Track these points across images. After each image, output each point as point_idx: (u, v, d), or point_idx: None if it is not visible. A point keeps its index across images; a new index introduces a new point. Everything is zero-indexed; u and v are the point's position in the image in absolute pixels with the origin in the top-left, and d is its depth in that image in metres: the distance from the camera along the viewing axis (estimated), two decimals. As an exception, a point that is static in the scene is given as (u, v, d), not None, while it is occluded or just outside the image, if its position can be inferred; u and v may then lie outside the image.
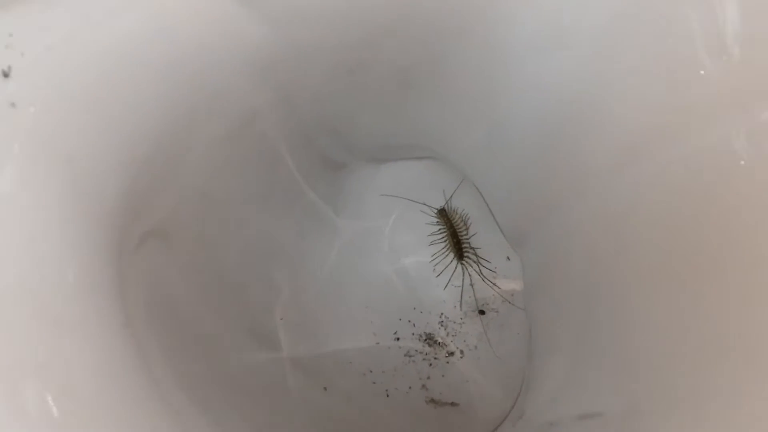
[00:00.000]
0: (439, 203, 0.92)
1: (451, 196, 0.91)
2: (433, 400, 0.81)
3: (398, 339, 0.86)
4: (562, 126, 0.57)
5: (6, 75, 0.39)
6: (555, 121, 0.58)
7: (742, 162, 0.43)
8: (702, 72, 0.44)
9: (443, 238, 0.91)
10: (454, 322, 0.88)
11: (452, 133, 0.72)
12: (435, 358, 0.85)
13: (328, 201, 0.87)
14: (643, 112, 0.49)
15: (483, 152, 0.71)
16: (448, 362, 0.85)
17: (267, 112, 0.64)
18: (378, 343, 0.85)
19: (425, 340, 0.86)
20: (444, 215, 0.90)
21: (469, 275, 0.89)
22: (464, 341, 0.86)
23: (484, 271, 0.89)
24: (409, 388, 0.82)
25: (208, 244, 0.66)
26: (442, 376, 0.84)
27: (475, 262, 0.90)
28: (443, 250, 0.90)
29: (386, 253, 0.92)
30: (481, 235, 0.91)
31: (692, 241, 0.46)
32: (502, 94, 0.61)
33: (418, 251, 0.91)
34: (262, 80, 0.58)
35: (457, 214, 0.91)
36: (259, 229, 0.76)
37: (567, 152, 0.58)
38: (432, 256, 0.90)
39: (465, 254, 0.90)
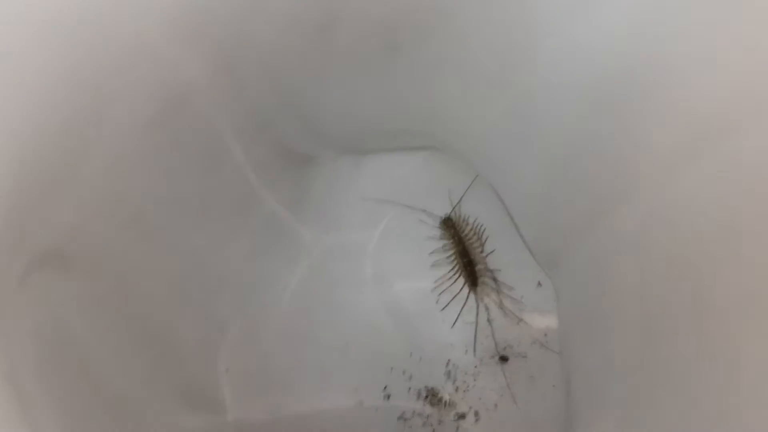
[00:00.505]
0: (444, 210, 0.91)
1: (460, 201, 0.90)
2: (437, 481, 0.82)
3: (389, 397, 0.85)
4: (610, 105, 0.56)
5: None
6: (600, 99, 0.56)
7: None
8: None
9: (450, 257, 0.90)
10: (466, 373, 0.87)
11: (460, 113, 0.71)
12: (440, 423, 0.84)
13: (292, 207, 0.86)
14: (724, 81, 0.47)
15: (502, 140, 0.70)
16: (458, 427, 0.84)
17: (204, 88, 0.62)
18: (361, 403, 0.84)
19: (426, 397, 0.85)
20: (451, 226, 0.89)
21: (486, 308, 0.88)
22: (480, 399, 0.85)
23: (506, 302, 0.88)
24: (405, 463, 0.83)
25: (125, 271, 0.65)
26: (450, 446, 0.84)
27: (493, 289, 0.89)
28: (450, 274, 0.89)
29: (371, 279, 0.91)
30: (501, 253, 0.90)
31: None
32: (526, 61, 0.60)
33: (415, 275, 0.90)
34: (193, 43, 0.56)
35: (468, 224, 0.90)
36: (198, 250, 0.75)
37: (617, 140, 0.57)
38: (435, 282, 0.89)
39: (480, 279, 0.89)
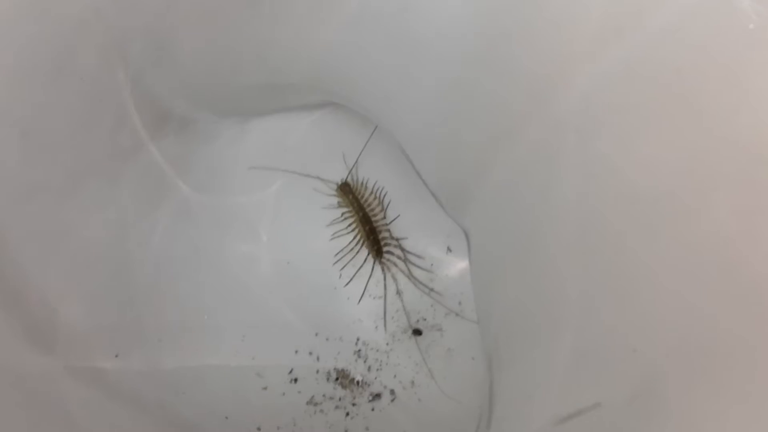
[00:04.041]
0: (341, 175, 0.90)
1: (357, 161, 0.90)
2: (354, 467, 0.78)
3: (296, 380, 0.84)
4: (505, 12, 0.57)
5: None
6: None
7: (751, 26, 0.43)
8: None
9: (351, 226, 0.89)
10: (378, 350, 0.86)
11: (337, 50, 0.71)
12: (353, 405, 0.83)
13: (176, 167, 0.84)
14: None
15: (392, 73, 0.70)
16: (373, 409, 0.83)
17: (105, 17, 0.66)
18: (266, 389, 0.83)
19: (336, 379, 0.85)
20: (348, 192, 0.88)
21: (394, 279, 0.88)
22: (395, 376, 0.85)
23: (415, 271, 0.88)
24: (317, 451, 0.78)
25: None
26: (366, 429, 0.82)
27: (400, 258, 0.88)
28: (352, 245, 0.89)
29: (263, 254, 0.89)
30: (406, 219, 0.90)
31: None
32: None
33: (313, 249, 0.89)
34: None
35: (367, 189, 0.90)
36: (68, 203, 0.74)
37: (517, 48, 0.58)
38: (335, 255, 0.88)
39: (385, 249, 0.88)
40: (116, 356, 0.75)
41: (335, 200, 0.90)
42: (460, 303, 0.87)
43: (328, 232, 0.90)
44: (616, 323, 0.54)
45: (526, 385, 0.64)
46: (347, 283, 0.89)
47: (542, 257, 0.63)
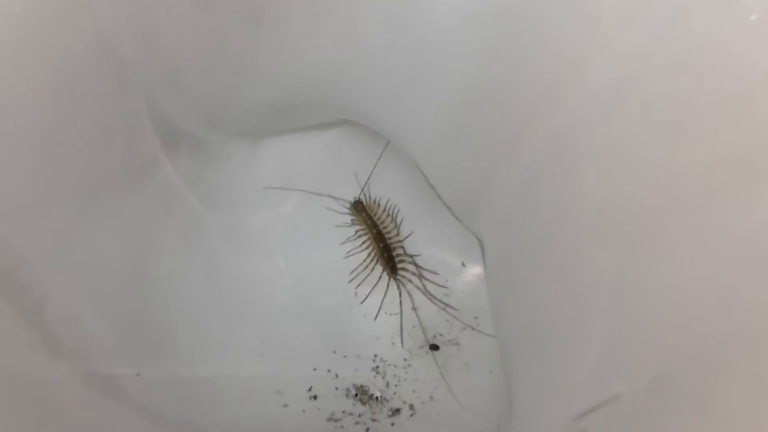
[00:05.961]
0: (354, 193, 0.90)
1: (369, 178, 0.90)
2: (376, 482, 0.77)
3: (315, 397, 0.83)
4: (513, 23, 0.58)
5: None
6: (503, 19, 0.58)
7: (753, 17, 0.44)
8: None
9: (365, 244, 0.89)
10: (396, 366, 0.86)
11: (348, 65, 0.71)
12: (373, 420, 0.82)
13: (191, 187, 0.85)
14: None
15: (403, 88, 0.70)
16: (393, 424, 0.82)
17: (126, 40, 0.67)
18: (286, 406, 0.82)
19: (356, 395, 0.84)
20: (361, 210, 0.88)
21: (410, 295, 0.88)
22: (413, 392, 0.84)
23: (430, 287, 0.88)
24: (339, 467, 0.77)
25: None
26: (387, 444, 0.79)
27: (415, 275, 0.88)
28: (366, 263, 0.89)
29: (279, 269, 0.90)
30: (419, 234, 0.90)
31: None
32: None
33: (328, 267, 0.90)
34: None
35: (380, 206, 0.90)
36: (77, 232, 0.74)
37: (527, 41, 0.58)
38: (350, 273, 0.89)
39: (399, 266, 0.88)
40: (137, 375, 0.75)
41: (349, 218, 0.90)
42: (476, 317, 0.87)
43: (342, 250, 0.90)
44: (640, 317, 0.53)
45: (546, 390, 0.63)
46: (363, 301, 0.89)
47: (560, 256, 0.62)
